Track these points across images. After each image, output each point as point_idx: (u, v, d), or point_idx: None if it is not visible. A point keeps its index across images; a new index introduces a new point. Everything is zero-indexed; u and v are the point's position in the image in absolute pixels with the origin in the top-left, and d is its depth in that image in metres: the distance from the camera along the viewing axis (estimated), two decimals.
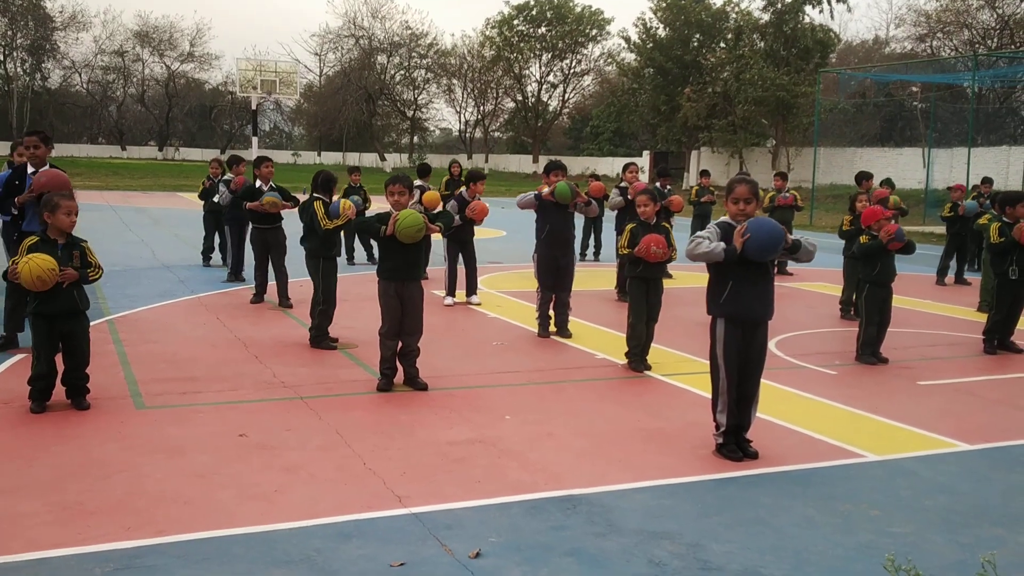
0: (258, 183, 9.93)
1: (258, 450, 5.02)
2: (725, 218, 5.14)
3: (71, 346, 5.71)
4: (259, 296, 9.89)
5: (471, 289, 10.46)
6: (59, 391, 5.76)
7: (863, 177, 11.33)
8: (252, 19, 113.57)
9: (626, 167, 12.29)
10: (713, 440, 5.21)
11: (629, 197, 11.08)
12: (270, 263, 9.81)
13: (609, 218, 11.82)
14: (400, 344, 6.46)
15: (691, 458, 5.12)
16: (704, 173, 15.94)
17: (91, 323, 8.38)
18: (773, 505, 4.44)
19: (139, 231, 18.35)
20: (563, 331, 8.53)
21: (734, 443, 5.12)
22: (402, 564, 3.66)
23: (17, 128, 68.80)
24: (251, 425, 5.47)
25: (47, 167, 6.99)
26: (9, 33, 68.77)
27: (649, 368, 7.25)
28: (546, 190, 8.48)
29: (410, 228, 6.20)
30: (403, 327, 6.42)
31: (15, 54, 69.70)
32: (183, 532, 3.89)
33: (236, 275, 11.54)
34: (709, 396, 5.31)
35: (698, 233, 5.10)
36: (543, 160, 62.79)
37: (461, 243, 10.42)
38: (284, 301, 9.69)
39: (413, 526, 4.05)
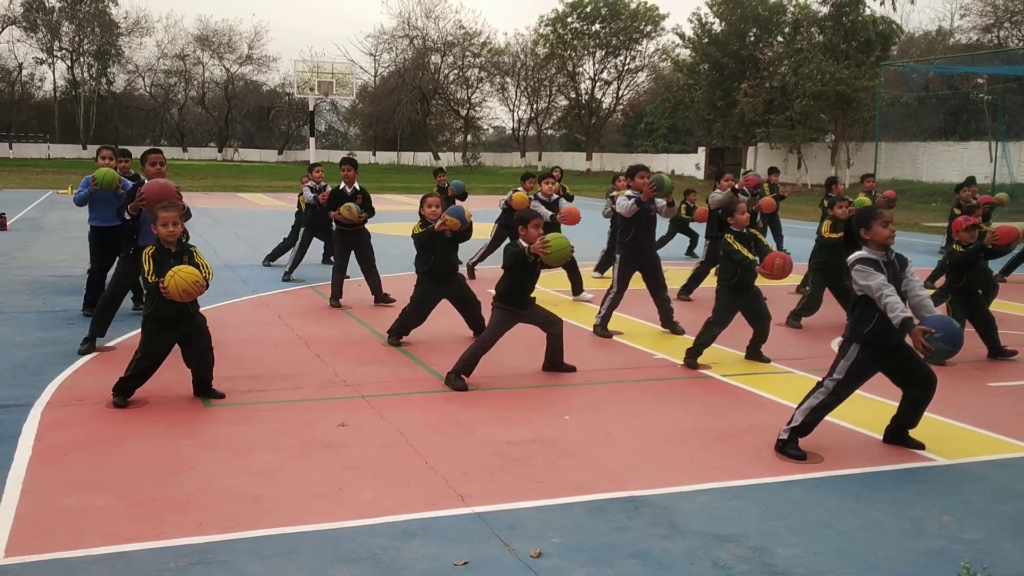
0: (342, 185, 10.07)
1: (322, 448, 5.11)
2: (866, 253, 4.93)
3: (191, 345, 5.91)
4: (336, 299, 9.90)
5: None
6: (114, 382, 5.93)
7: (965, 184, 11.45)
8: (308, 21, 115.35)
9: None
10: (775, 441, 5.15)
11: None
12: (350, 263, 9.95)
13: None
14: None
15: (753, 460, 5.06)
16: (773, 170, 15.02)
17: None
18: (838, 508, 4.37)
19: (201, 231, 18.74)
20: (674, 327, 8.71)
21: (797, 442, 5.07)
22: (465, 563, 3.69)
23: (84, 131, 71.06)
24: (315, 424, 5.56)
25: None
26: (76, 39, 71.03)
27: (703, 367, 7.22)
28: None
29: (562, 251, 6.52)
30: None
31: (82, 59, 71.97)
32: (252, 528, 3.98)
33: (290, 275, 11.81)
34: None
35: (874, 273, 4.84)
36: (596, 158, 62.86)
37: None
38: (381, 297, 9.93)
39: (476, 525, 4.08)
